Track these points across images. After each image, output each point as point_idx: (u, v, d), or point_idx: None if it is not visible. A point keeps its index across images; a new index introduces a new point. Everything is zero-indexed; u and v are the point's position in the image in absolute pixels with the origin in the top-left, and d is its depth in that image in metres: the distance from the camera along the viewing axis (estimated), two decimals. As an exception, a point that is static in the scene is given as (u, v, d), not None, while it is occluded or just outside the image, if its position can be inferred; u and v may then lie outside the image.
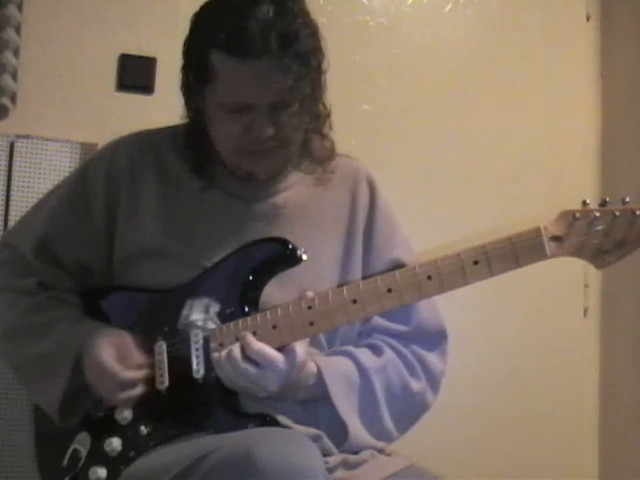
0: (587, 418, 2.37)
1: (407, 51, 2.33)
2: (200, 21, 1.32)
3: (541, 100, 2.40)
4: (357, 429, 1.31)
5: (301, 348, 1.25)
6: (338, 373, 1.33)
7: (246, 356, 1.23)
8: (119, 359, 1.29)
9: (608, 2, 2.47)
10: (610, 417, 2.35)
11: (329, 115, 1.40)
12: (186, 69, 1.35)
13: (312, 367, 1.31)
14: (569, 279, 2.30)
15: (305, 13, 1.31)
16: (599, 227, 1.16)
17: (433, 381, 1.42)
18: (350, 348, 1.38)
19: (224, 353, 1.24)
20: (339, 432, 1.31)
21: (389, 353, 1.39)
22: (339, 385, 1.31)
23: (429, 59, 2.34)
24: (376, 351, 1.39)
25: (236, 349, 1.23)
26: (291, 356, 1.24)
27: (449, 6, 2.36)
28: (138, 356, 1.30)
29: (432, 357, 1.42)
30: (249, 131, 1.30)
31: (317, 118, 1.38)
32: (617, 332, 2.36)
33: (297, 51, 1.26)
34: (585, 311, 2.38)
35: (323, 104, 1.39)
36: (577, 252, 1.19)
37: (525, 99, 2.39)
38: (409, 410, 1.40)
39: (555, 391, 2.32)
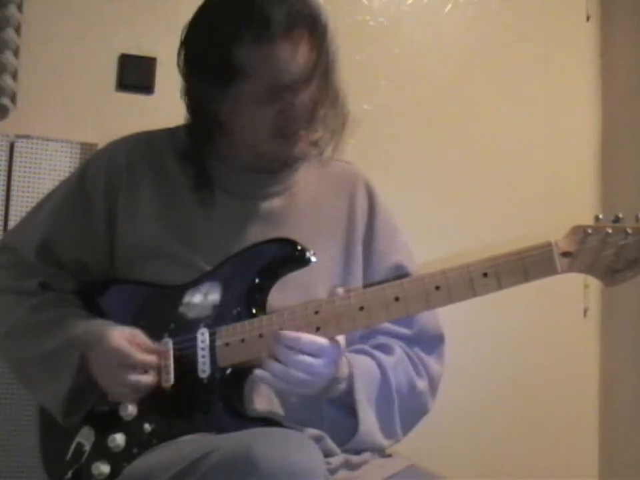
0: (587, 418, 2.36)
1: (407, 50, 2.33)
2: (212, 20, 1.31)
3: (541, 100, 2.40)
4: (368, 427, 1.31)
5: (341, 338, 1.27)
6: (364, 369, 1.33)
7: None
8: (134, 344, 1.29)
9: (608, 2, 2.46)
10: (610, 417, 2.35)
11: (339, 94, 1.42)
12: (196, 73, 1.34)
13: (345, 362, 1.32)
14: (569, 279, 2.28)
15: None
16: (611, 245, 1.13)
17: (433, 385, 1.43)
18: (366, 347, 1.39)
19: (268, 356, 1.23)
20: (342, 431, 1.31)
21: (399, 352, 1.40)
22: (363, 381, 1.32)
23: (429, 58, 2.33)
24: (387, 350, 1.39)
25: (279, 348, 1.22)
26: (337, 344, 1.25)
27: (449, 6, 2.36)
28: (151, 344, 1.31)
29: (431, 361, 1.43)
30: (282, 113, 1.31)
31: (336, 96, 1.40)
32: (617, 332, 2.35)
33: (320, 29, 1.31)
34: (585, 311, 2.38)
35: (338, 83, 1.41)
36: (588, 269, 1.17)
37: (525, 99, 2.39)
38: (414, 410, 1.41)
39: (555, 391, 2.32)
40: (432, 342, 1.45)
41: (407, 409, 1.38)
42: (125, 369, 1.27)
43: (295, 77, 1.29)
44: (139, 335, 1.31)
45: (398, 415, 1.36)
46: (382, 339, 1.41)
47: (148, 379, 1.28)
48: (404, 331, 1.41)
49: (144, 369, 1.28)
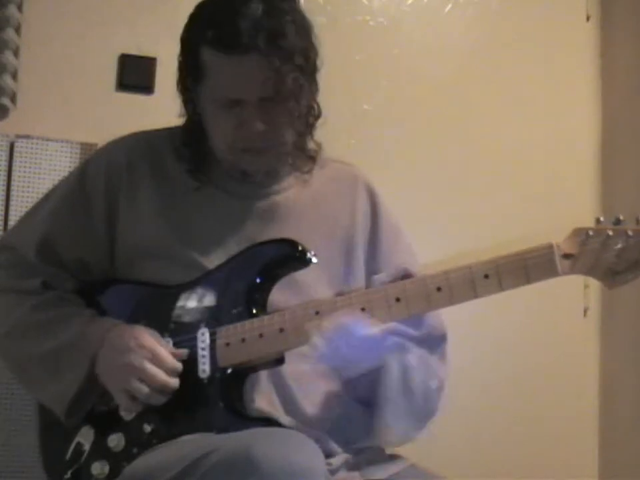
0: (587, 418, 2.36)
1: (407, 50, 2.33)
2: (193, 20, 1.34)
3: (541, 100, 2.40)
4: (386, 427, 1.29)
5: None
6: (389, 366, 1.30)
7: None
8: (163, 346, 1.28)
9: (608, 2, 2.46)
10: (610, 417, 2.35)
11: (319, 116, 1.40)
12: (182, 67, 1.36)
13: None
14: (569, 279, 2.28)
15: (295, 12, 1.32)
16: (612, 247, 1.13)
17: (441, 386, 1.40)
18: None
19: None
20: (348, 432, 1.31)
21: (414, 352, 1.37)
22: (390, 377, 1.29)
23: (429, 59, 2.33)
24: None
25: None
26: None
27: (449, 6, 2.36)
28: (172, 349, 1.29)
29: (434, 360, 1.41)
30: (240, 128, 1.31)
31: (308, 117, 1.38)
32: (617, 332, 2.35)
33: (284, 49, 1.27)
34: (585, 311, 2.38)
35: (316, 103, 1.40)
36: (589, 271, 1.17)
37: (525, 99, 2.39)
38: (427, 411, 1.36)
39: (555, 391, 2.32)
40: (435, 342, 1.44)
41: (422, 410, 1.34)
42: (157, 368, 1.25)
43: (245, 94, 1.29)
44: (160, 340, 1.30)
45: (414, 415, 1.32)
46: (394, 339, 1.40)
47: (177, 384, 1.27)
48: (411, 332, 1.40)
49: (175, 374, 1.27)
